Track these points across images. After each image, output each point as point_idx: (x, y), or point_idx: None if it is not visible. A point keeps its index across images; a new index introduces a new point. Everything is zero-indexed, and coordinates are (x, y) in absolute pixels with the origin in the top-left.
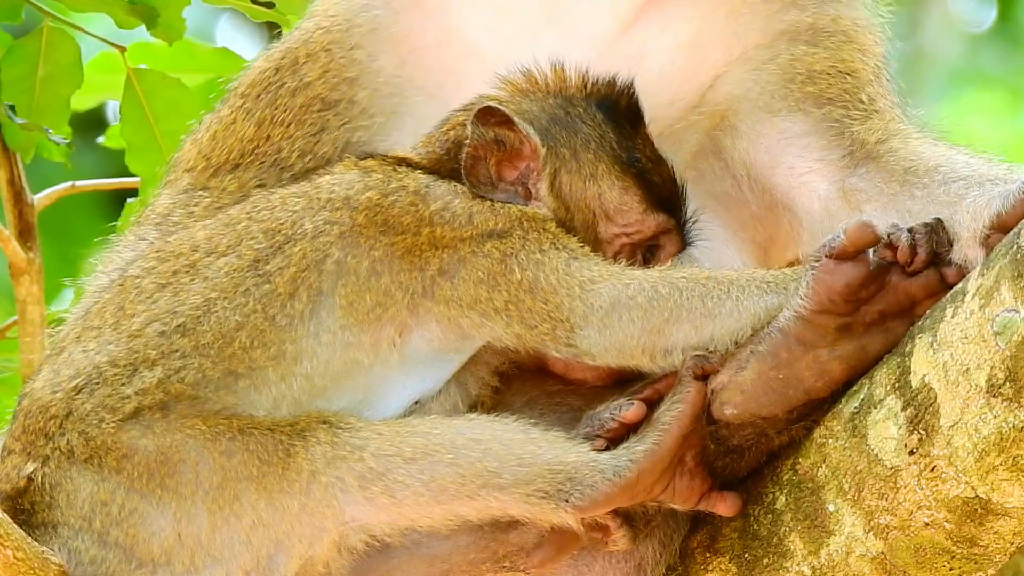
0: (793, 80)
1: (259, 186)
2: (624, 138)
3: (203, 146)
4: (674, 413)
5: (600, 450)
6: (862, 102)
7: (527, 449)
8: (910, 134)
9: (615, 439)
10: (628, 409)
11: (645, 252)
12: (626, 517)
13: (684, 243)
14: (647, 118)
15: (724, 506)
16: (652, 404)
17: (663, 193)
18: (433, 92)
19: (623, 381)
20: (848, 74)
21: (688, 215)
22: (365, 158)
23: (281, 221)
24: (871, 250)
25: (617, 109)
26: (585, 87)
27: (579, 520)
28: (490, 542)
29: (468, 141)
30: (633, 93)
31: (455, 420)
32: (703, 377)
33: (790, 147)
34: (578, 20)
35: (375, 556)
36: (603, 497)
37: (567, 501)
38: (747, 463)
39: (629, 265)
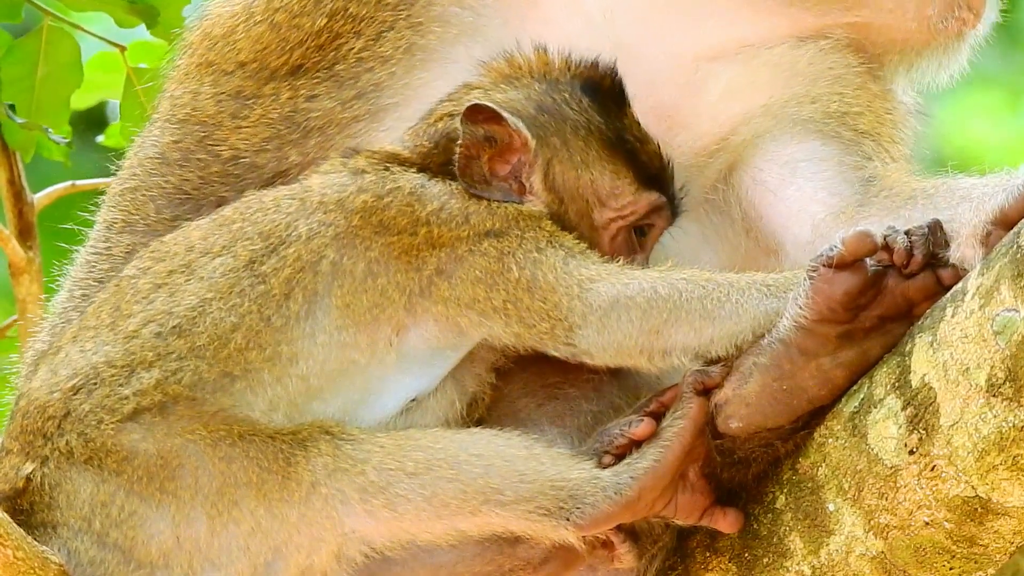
0: (831, 109)
1: (309, 99)
2: (611, 120)
3: (261, 35)
4: (676, 429)
5: (608, 466)
6: (893, 146)
7: (529, 466)
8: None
9: (622, 455)
10: (638, 426)
11: (637, 231)
12: (632, 534)
13: (674, 217)
14: (686, 147)
15: (726, 522)
16: (658, 417)
17: (652, 171)
18: (513, 21)
19: (620, 370)
20: (884, 123)
21: (677, 189)
22: (351, 155)
23: (275, 224)
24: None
25: (602, 91)
26: (568, 70)
27: (580, 538)
28: (496, 555)
29: (460, 141)
30: (616, 73)
31: (458, 434)
32: (704, 392)
33: (808, 167)
34: (669, 26)
35: (377, 564)
36: (604, 516)
37: (568, 519)
38: (753, 472)
39: (627, 259)
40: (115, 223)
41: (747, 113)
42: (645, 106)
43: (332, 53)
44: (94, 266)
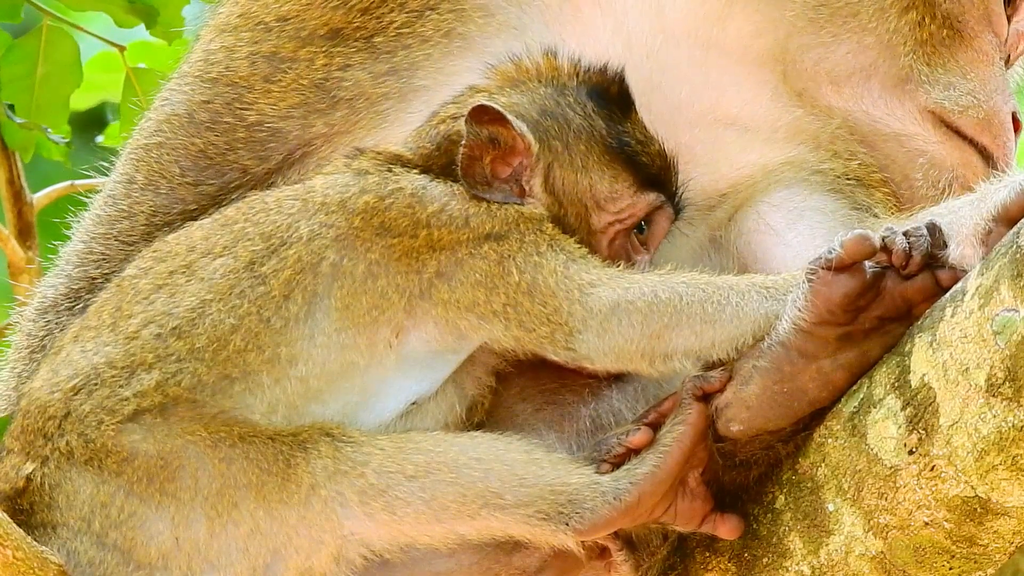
0: (850, 169)
1: (343, 68)
2: (613, 124)
3: None
4: (675, 435)
5: (607, 473)
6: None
7: (529, 470)
8: None
9: (620, 463)
10: (635, 435)
11: (637, 231)
12: (629, 543)
13: (676, 215)
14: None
15: (726, 529)
16: (656, 427)
17: (652, 171)
18: (554, 26)
19: (619, 376)
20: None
21: (678, 187)
22: (355, 156)
23: (277, 224)
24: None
25: (607, 96)
26: (576, 75)
27: (579, 543)
28: (493, 563)
29: (464, 141)
30: (623, 80)
31: (458, 437)
32: (704, 397)
33: (813, 215)
34: (701, 82)
35: (376, 571)
36: (603, 521)
37: (567, 524)
38: (755, 475)
39: (626, 263)
40: (136, 180)
41: (766, 164)
42: (665, 142)
43: (374, 22)
44: (115, 223)
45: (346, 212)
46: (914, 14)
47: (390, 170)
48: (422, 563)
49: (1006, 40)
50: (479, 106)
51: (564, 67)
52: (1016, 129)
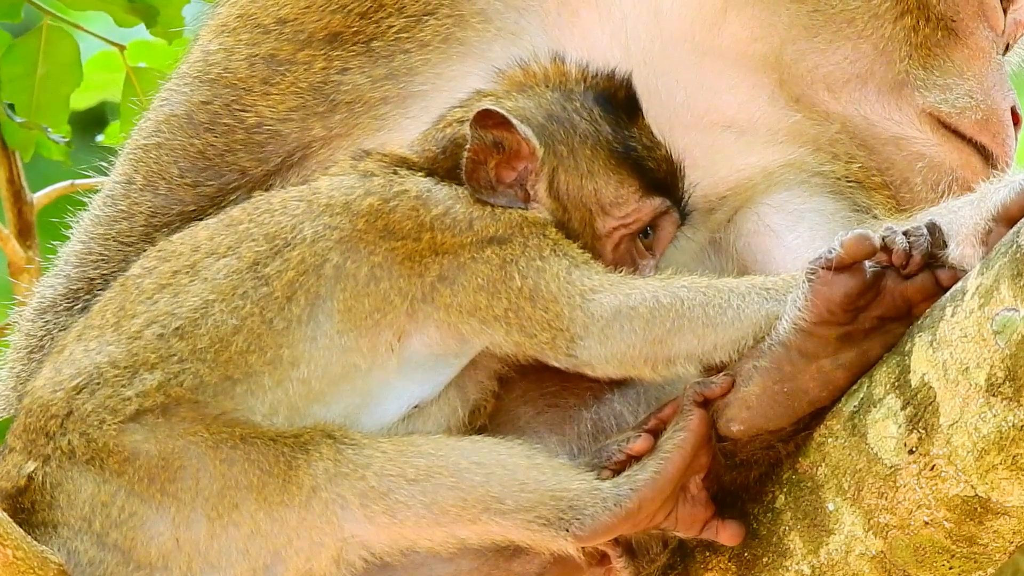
0: (851, 172)
1: (341, 72)
2: (619, 129)
3: None
4: (676, 441)
5: (606, 479)
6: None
7: (530, 475)
8: None
9: (620, 470)
10: (635, 442)
11: (642, 235)
12: (629, 550)
13: (682, 220)
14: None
15: (727, 535)
16: (657, 434)
17: (658, 176)
18: (552, 31)
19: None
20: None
21: (684, 192)
22: (361, 157)
23: (281, 225)
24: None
25: (614, 101)
26: (583, 80)
27: (579, 549)
28: (493, 569)
29: (468, 145)
30: (630, 86)
31: (460, 441)
32: (705, 403)
33: (814, 217)
34: (696, 87)
35: (376, 573)
36: (603, 527)
37: (567, 530)
38: (755, 475)
39: (630, 268)
40: (135, 180)
41: (765, 167)
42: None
43: (372, 27)
44: (113, 224)
45: (350, 214)
46: (908, 19)
47: (395, 172)
48: (422, 567)
49: (1003, 31)
50: (484, 110)
51: (571, 72)
52: (1016, 123)
